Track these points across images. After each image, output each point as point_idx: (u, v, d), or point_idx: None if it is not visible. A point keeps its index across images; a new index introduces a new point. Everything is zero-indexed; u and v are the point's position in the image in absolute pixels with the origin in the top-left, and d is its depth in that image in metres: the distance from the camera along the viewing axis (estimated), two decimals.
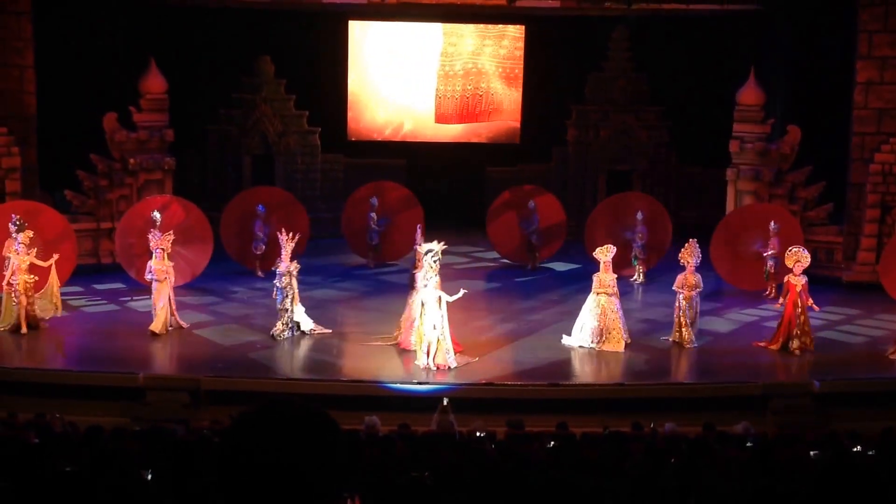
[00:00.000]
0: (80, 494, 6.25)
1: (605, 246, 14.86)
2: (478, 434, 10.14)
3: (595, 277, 14.63)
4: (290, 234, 14.74)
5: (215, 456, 2.66)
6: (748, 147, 19.03)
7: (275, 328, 14.67)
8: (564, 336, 14.73)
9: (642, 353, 14.49)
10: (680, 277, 14.81)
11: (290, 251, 14.65)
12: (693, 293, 14.67)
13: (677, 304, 14.75)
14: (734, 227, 18.16)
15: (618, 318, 14.47)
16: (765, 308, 16.90)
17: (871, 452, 9.07)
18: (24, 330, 14.57)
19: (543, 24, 22.41)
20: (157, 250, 14.84)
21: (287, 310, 14.60)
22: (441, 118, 22.99)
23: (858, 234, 18.25)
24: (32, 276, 14.77)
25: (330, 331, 14.99)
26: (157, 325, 14.62)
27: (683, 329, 14.65)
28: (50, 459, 7.65)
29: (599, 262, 14.66)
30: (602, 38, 22.48)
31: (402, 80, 22.83)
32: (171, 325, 14.87)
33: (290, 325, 14.66)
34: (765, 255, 17.54)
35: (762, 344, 14.78)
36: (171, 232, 15.29)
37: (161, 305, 14.69)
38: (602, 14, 21.48)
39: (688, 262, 14.76)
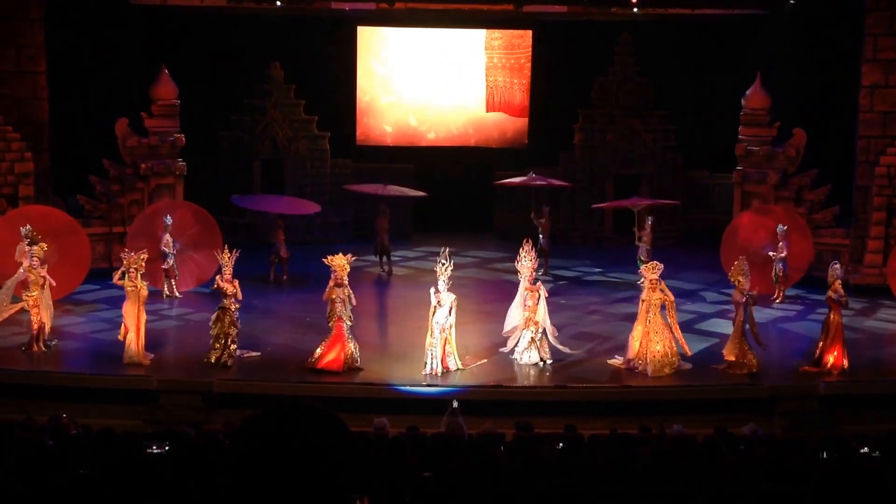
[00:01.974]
0: (93, 497, 6.37)
1: (652, 263, 14.18)
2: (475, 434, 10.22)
3: (644, 295, 13.88)
4: (233, 251, 14.06)
5: (226, 458, 2.72)
6: (754, 150, 19.13)
7: (211, 356, 13.66)
8: (616, 356, 14.18)
9: None
10: (736, 294, 13.88)
11: (231, 269, 13.76)
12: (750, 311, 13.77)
13: (735, 329, 13.83)
14: (744, 230, 18.26)
15: (663, 338, 13.71)
16: (771, 311, 16.98)
17: (876, 454, 9.16)
18: (35, 348, 14.12)
19: (550, 29, 22.56)
20: (130, 270, 13.79)
21: (220, 335, 13.65)
22: (492, 107, 23.12)
23: (865, 236, 18.33)
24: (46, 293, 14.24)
25: (258, 353, 14.25)
26: (133, 355, 13.70)
27: (747, 353, 13.71)
28: (65, 462, 7.77)
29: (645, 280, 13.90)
30: (608, 42, 22.60)
31: (415, 83, 22.98)
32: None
33: (236, 347, 13.76)
34: (774, 258, 17.61)
35: (814, 369, 13.87)
36: (145, 250, 14.54)
37: (132, 328, 13.67)
38: (608, 19, 21.65)
39: (738, 281, 13.84)
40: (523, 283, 14.21)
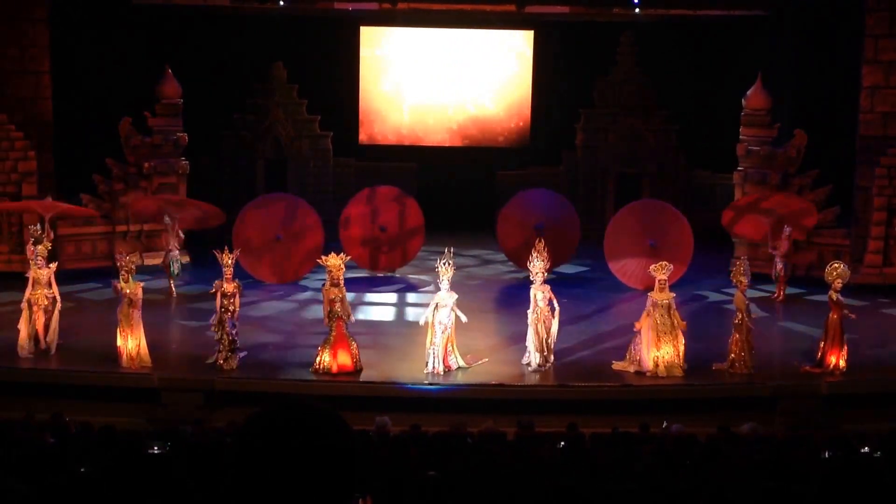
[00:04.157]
0: (94, 495, 6.39)
1: (661, 263, 13.94)
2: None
3: (649, 297, 13.80)
4: (234, 252, 14.06)
5: (228, 456, 2.72)
6: (755, 151, 19.15)
7: (216, 358, 13.56)
8: (615, 362, 13.99)
9: None
10: (739, 297, 13.79)
11: (231, 270, 13.75)
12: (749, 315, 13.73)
13: (734, 334, 13.75)
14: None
15: (671, 341, 13.58)
16: (772, 310, 17.00)
17: (878, 454, 9.17)
18: (42, 346, 14.03)
19: (552, 30, 22.59)
20: (122, 272, 13.67)
21: (222, 337, 13.50)
22: None
23: (865, 236, 18.35)
24: (52, 292, 14.17)
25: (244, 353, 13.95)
26: (131, 359, 13.54)
27: (743, 355, 13.65)
28: (66, 461, 7.79)
29: (655, 280, 13.77)
30: (610, 42, 22.63)
31: (417, 83, 23.00)
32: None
33: (236, 349, 13.56)
34: (775, 256, 17.64)
35: (816, 370, 13.80)
36: (137, 253, 14.39)
37: (128, 332, 13.47)
38: (610, 19, 21.68)
39: (740, 282, 13.76)
40: (537, 285, 13.98)
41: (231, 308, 13.62)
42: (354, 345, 13.58)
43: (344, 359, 13.46)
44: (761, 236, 18.01)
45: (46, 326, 14.18)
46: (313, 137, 22.76)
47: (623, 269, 18.28)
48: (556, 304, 14.00)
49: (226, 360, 13.56)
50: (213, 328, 13.73)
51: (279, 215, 18.60)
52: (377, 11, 21.55)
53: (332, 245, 17.03)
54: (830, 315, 13.84)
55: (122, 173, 18.86)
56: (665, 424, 10.90)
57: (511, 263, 20.19)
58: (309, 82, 22.43)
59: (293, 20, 21.91)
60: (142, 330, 13.66)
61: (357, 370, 13.52)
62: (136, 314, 13.64)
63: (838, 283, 13.82)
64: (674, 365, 13.61)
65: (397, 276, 19.39)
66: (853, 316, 13.99)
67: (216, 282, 13.96)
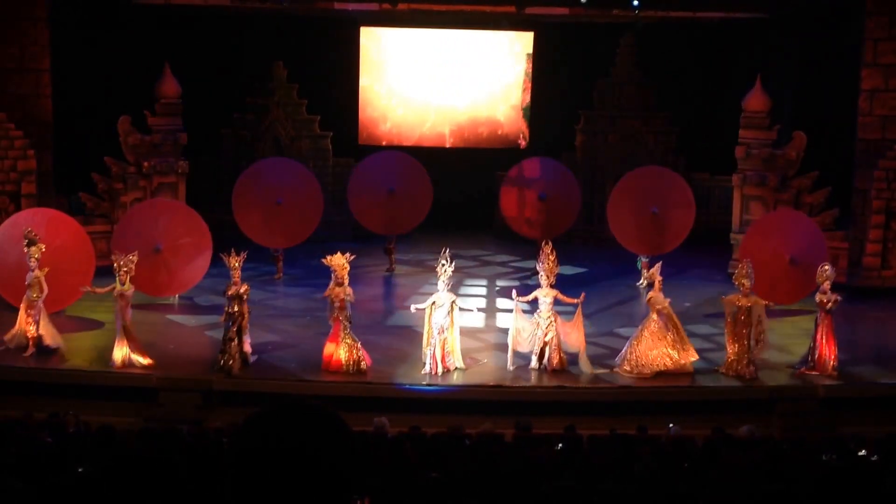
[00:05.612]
0: (92, 495, 6.40)
1: (659, 264, 14.09)
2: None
3: (650, 298, 13.92)
4: (241, 254, 13.99)
5: (226, 457, 2.67)
6: (754, 153, 19.15)
7: (221, 362, 13.46)
8: (616, 364, 14.03)
9: None
10: (741, 298, 13.89)
11: (239, 273, 13.75)
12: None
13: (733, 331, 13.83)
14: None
15: (671, 341, 13.70)
16: (770, 312, 16.99)
17: (874, 457, 9.19)
18: (29, 352, 14.00)
19: (552, 31, 22.60)
20: (121, 272, 13.74)
21: (233, 339, 13.45)
22: None
23: (863, 239, 18.37)
24: (43, 296, 14.10)
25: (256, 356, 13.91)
26: (123, 358, 13.62)
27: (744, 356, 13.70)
28: (64, 460, 7.80)
29: (654, 283, 13.88)
30: (610, 44, 22.64)
31: (417, 84, 23.01)
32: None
33: (240, 356, 13.55)
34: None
35: (812, 372, 13.92)
36: (136, 252, 14.27)
37: (122, 331, 13.59)
38: (610, 21, 21.68)
39: (742, 285, 13.81)
40: (543, 288, 13.99)
41: (235, 310, 13.61)
42: (345, 351, 13.48)
43: (334, 357, 13.53)
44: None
45: (38, 337, 14.13)
46: (313, 137, 22.75)
47: (627, 236, 18.82)
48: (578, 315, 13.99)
49: (230, 359, 13.57)
50: (223, 327, 13.74)
51: (280, 179, 18.90)
52: (377, 12, 21.54)
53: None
54: (820, 316, 13.91)
55: (121, 172, 18.85)
56: (671, 426, 10.91)
57: (510, 264, 20.30)
58: (309, 82, 22.43)
59: (293, 20, 21.91)
60: (132, 330, 13.73)
61: (349, 371, 13.48)
62: (128, 314, 13.71)
63: (826, 285, 13.90)
64: (669, 364, 13.68)
65: (396, 276, 19.41)
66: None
67: (230, 283, 13.88)
